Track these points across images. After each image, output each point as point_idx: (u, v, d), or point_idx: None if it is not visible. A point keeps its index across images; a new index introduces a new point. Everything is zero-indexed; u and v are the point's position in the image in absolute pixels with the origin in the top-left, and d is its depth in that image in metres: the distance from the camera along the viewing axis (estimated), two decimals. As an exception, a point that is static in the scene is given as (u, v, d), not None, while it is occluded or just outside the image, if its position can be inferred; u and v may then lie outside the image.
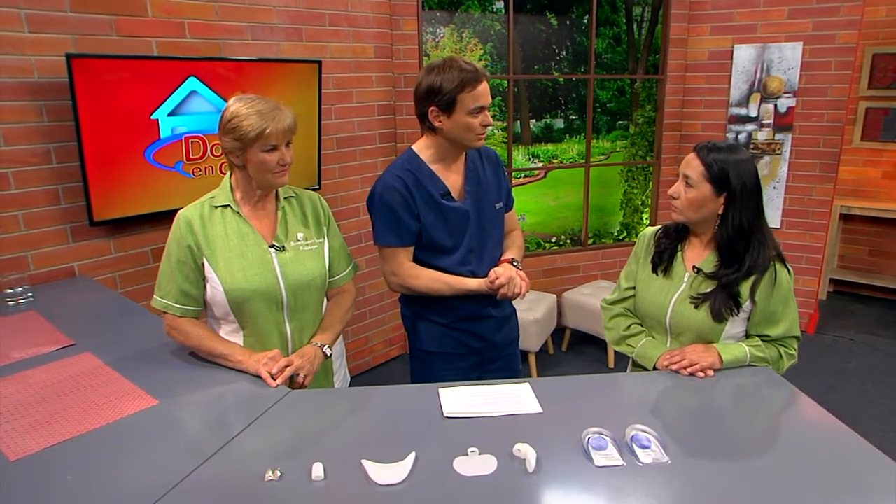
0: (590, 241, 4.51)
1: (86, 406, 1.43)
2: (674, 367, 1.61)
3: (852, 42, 3.79)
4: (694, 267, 1.69)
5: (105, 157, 2.36)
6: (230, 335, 1.68)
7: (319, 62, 3.01)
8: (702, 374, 1.58)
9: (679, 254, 1.74)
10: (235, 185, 1.65)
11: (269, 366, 1.54)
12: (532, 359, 3.67)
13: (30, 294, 2.16)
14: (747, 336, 1.70)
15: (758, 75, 4.02)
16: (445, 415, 1.40)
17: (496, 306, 1.97)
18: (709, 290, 1.64)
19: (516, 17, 3.94)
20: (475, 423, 1.37)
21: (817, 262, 4.18)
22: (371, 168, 3.58)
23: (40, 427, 1.34)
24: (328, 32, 3.20)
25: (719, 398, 1.52)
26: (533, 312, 3.60)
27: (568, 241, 4.65)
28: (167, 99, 2.48)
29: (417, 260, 1.91)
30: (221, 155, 1.61)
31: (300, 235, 1.69)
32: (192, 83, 2.54)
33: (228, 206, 1.62)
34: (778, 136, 4.05)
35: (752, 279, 1.61)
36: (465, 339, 1.96)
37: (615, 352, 3.88)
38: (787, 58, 3.91)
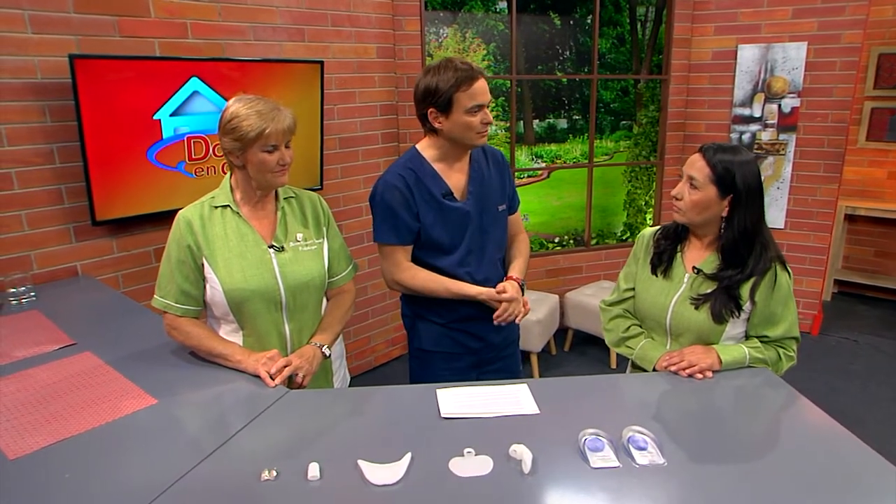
0: (593, 242, 4.50)
1: (85, 405, 1.44)
2: (672, 368, 1.61)
3: (857, 42, 3.77)
4: (694, 268, 1.68)
5: (108, 158, 2.37)
6: (230, 335, 1.68)
7: (322, 62, 3.02)
8: (700, 376, 1.58)
9: (678, 255, 1.73)
10: (235, 185, 1.65)
11: (268, 366, 1.55)
12: (534, 359, 3.67)
13: (32, 293, 2.18)
14: (747, 337, 1.70)
15: (762, 75, 4.00)
16: (442, 415, 1.40)
17: (495, 309, 1.96)
18: (709, 290, 1.64)
19: (519, 17, 3.94)
20: (472, 423, 1.37)
21: (821, 262, 4.16)
22: (374, 168, 3.58)
23: (40, 426, 1.35)
24: (330, 33, 3.21)
25: (717, 400, 1.52)
26: (535, 313, 3.60)
27: (571, 241, 4.65)
28: (169, 99, 2.49)
29: (416, 259, 1.92)
30: (223, 155, 1.62)
31: (299, 236, 1.70)
32: (194, 83, 2.55)
33: (228, 206, 1.63)
34: (782, 137, 4.04)
35: (752, 281, 1.60)
36: (463, 340, 1.97)
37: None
38: (792, 58, 3.90)
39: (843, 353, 3.98)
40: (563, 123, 4.77)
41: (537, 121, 4.69)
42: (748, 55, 4.01)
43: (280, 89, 2.86)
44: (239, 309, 1.62)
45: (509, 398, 1.47)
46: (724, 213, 1.61)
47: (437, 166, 1.87)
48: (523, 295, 1.91)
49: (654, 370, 1.68)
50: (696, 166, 1.60)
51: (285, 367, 1.56)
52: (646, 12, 4.57)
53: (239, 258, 1.61)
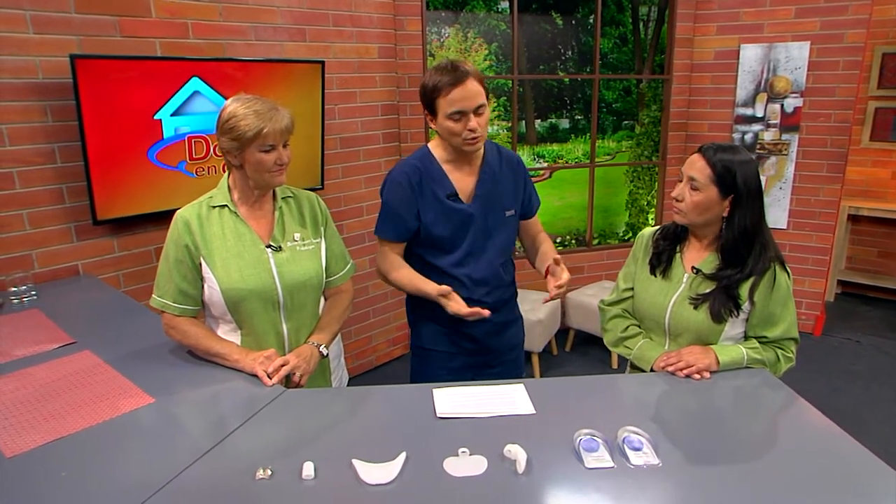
0: (595, 242, 4.50)
1: (83, 403, 1.44)
2: (670, 369, 1.61)
3: (860, 41, 3.75)
4: (693, 268, 1.68)
5: (108, 157, 2.38)
6: (228, 334, 1.69)
7: (322, 62, 3.02)
8: (698, 376, 1.58)
9: (678, 255, 1.73)
10: (233, 185, 1.66)
11: (265, 365, 1.55)
12: (535, 359, 3.67)
13: (33, 292, 2.19)
14: (746, 338, 1.69)
15: (764, 75, 3.99)
16: (438, 415, 1.40)
17: (495, 311, 1.93)
18: (708, 290, 1.64)
19: (521, 17, 3.93)
20: (468, 423, 1.37)
21: (824, 263, 4.14)
22: (374, 168, 3.58)
23: (38, 424, 1.36)
24: (332, 33, 3.21)
25: (714, 400, 1.51)
26: (536, 313, 3.59)
27: (573, 241, 4.64)
28: (170, 99, 2.50)
29: (416, 256, 1.94)
30: (221, 155, 1.62)
31: (297, 235, 1.70)
32: (194, 83, 2.55)
33: (226, 206, 1.63)
34: (784, 137, 4.02)
35: (751, 280, 1.60)
36: (458, 339, 1.97)
37: (619, 353, 3.87)
38: (794, 57, 3.88)
39: (845, 354, 3.96)
40: (565, 123, 4.77)
41: (539, 121, 4.68)
42: (751, 55, 3.99)
43: (281, 89, 2.86)
44: (236, 308, 1.63)
45: (505, 398, 1.47)
46: (725, 214, 1.61)
47: (446, 166, 1.88)
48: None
49: (651, 370, 1.68)
50: (697, 167, 1.59)
51: (282, 366, 1.56)
52: (648, 12, 4.56)
53: (236, 258, 1.61)
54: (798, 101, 3.94)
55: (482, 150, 1.91)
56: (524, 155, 4.43)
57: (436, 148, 1.90)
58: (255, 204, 1.67)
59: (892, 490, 1.13)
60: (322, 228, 1.77)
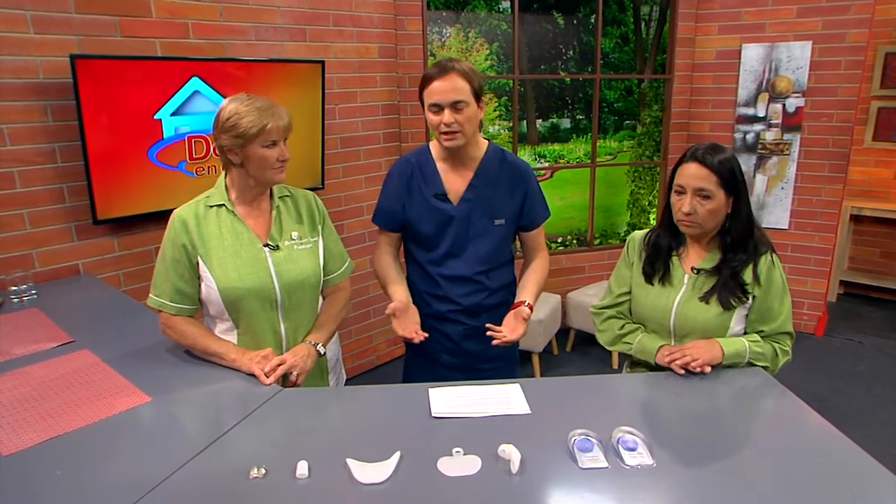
0: (596, 242, 4.50)
1: (80, 402, 1.45)
2: (676, 365, 1.58)
3: (863, 41, 3.74)
4: (693, 268, 1.68)
5: (108, 157, 2.39)
6: (225, 334, 1.69)
7: (323, 62, 3.02)
8: (699, 370, 1.56)
9: (674, 259, 1.72)
10: (230, 184, 1.66)
11: (262, 364, 1.55)
12: (535, 359, 3.66)
13: (34, 291, 2.20)
14: (745, 334, 1.70)
15: (766, 75, 3.97)
16: (433, 415, 1.40)
17: (470, 316, 1.96)
18: (713, 283, 1.64)
19: (522, 17, 3.93)
20: (462, 423, 1.37)
21: (826, 263, 4.13)
22: (375, 168, 3.59)
23: (34, 422, 1.36)
24: (332, 33, 3.21)
25: (711, 401, 1.51)
26: (537, 313, 3.59)
27: (574, 241, 4.64)
28: (170, 99, 2.50)
29: (407, 249, 2.01)
30: (219, 154, 1.63)
31: (294, 234, 1.70)
32: (194, 83, 2.56)
33: (223, 205, 1.64)
34: (786, 137, 4.01)
35: (750, 265, 1.63)
36: (437, 338, 1.97)
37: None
38: (796, 57, 3.87)
39: (847, 355, 3.95)
40: (566, 123, 4.76)
41: (540, 120, 4.68)
42: (752, 54, 3.98)
43: (281, 89, 2.87)
44: (234, 308, 1.63)
45: (501, 398, 1.47)
46: (729, 210, 1.62)
47: (441, 165, 1.89)
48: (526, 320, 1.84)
49: (655, 364, 1.67)
50: (701, 176, 1.57)
51: (279, 365, 1.57)
52: (650, 11, 4.55)
53: (234, 257, 1.61)
54: (800, 101, 3.93)
55: (480, 153, 1.90)
56: (525, 155, 4.42)
57: (434, 146, 1.92)
58: (253, 203, 1.67)
59: (888, 492, 1.13)
60: (319, 227, 1.77)
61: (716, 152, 1.58)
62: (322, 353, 1.71)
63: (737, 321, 1.65)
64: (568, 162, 4.51)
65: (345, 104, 3.35)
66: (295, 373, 1.60)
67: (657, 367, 1.68)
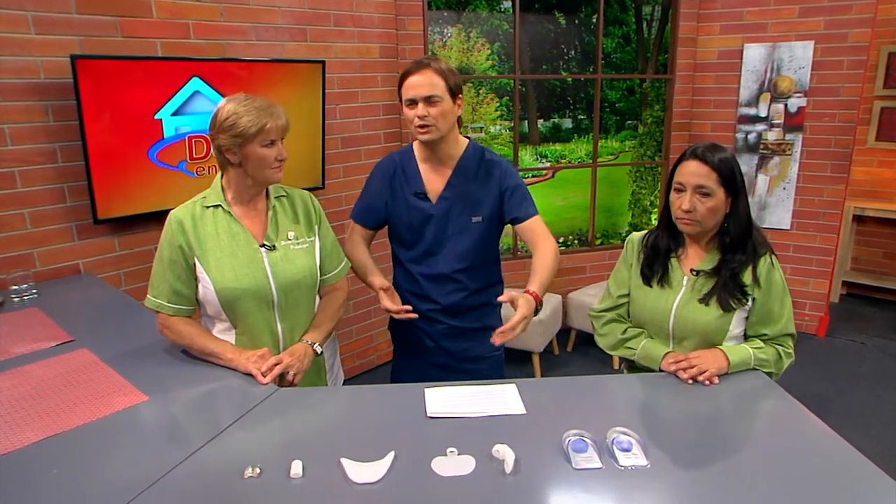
0: (597, 242, 4.49)
1: (78, 401, 1.46)
2: (683, 375, 1.58)
3: (865, 41, 3.73)
4: (692, 270, 1.67)
5: (109, 157, 2.40)
6: (222, 334, 1.70)
7: (323, 62, 3.03)
8: (707, 382, 1.56)
9: (673, 261, 1.72)
10: (227, 185, 1.67)
11: (259, 364, 1.56)
12: (536, 359, 3.66)
13: (34, 291, 2.21)
14: (745, 337, 1.69)
15: (768, 75, 3.96)
16: (428, 414, 1.40)
17: (450, 315, 1.98)
18: (712, 285, 1.64)
19: (524, 17, 3.93)
20: (457, 423, 1.37)
21: (828, 264, 4.12)
22: (376, 167, 3.59)
23: (32, 421, 1.37)
24: (333, 33, 3.22)
25: (708, 403, 1.51)
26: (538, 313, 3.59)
27: (575, 241, 4.63)
28: (171, 99, 2.51)
29: (391, 247, 2.05)
30: (216, 154, 1.64)
31: (291, 234, 1.71)
32: (195, 83, 2.57)
33: (220, 206, 1.64)
34: (788, 137, 4.00)
35: (750, 266, 1.62)
36: (421, 336, 2.01)
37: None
38: (798, 57, 3.86)
39: (850, 356, 3.94)
40: (567, 123, 4.75)
41: (542, 120, 4.68)
42: (754, 54, 3.97)
43: (281, 89, 2.87)
44: (231, 308, 1.64)
45: (497, 398, 1.47)
46: (728, 210, 1.62)
47: (422, 165, 1.92)
48: (537, 314, 1.72)
49: (659, 370, 1.67)
50: (701, 173, 1.57)
51: (276, 364, 1.57)
52: (652, 11, 4.54)
53: (230, 257, 1.62)
54: (802, 101, 3.92)
55: (458, 152, 1.90)
56: (526, 155, 4.42)
57: (417, 146, 1.95)
58: (249, 203, 1.68)
59: (886, 495, 1.13)
60: (316, 227, 1.78)
61: (716, 151, 1.59)
62: (319, 352, 1.71)
63: (736, 323, 1.65)
64: (569, 162, 4.51)
65: (345, 104, 3.36)
66: (292, 372, 1.60)
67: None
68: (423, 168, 1.92)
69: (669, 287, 1.70)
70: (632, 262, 1.80)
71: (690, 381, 1.56)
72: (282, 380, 1.61)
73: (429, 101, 1.75)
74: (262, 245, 1.66)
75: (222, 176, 1.68)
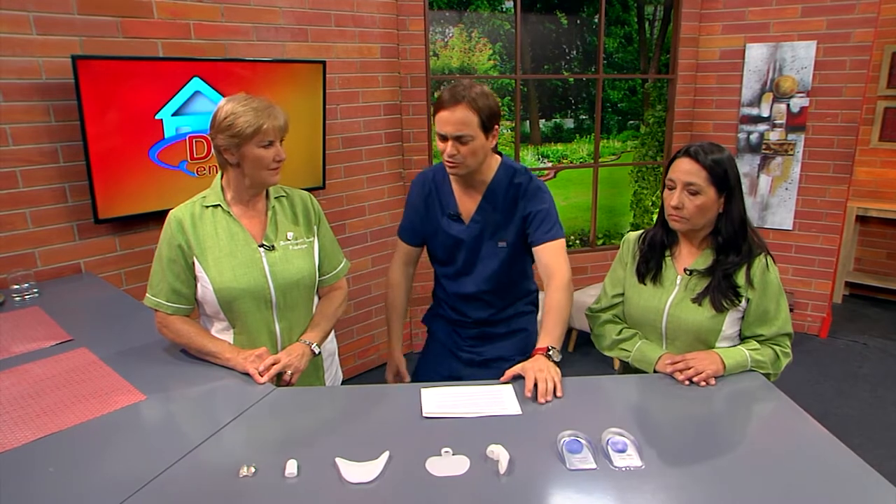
0: (599, 242, 4.49)
1: (76, 400, 1.46)
2: (679, 376, 1.57)
3: (868, 40, 3.71)
4: (686, 269, 1.67)
5: (110, 157, 2.41)
6: (221, 333, 1.70)
7: (324, 62, 3.03)
8: (703, 383, 1.56)
9: (667, 259, 1.72)
10: (226, 184, 1.68)
11: (256, 363, 1.56)
12: (536, 359, 3.66)
13: (35, 290, 2.22)
14: (741, 338, 1.69)
15: (770, 74, 3.95)
16: (424, 414, 1.41)
17: (479, 324, 2.01)
18: (705, 285, 1.63)
19: (526, 17, 3.93)
20: (453, 423, 1.38)
21: (830, 264, 4.10)
22: (377, 167, 3.60)
23: (30, 420, 1.38)
24: (334, 33, 3.22)
25: (704, 404, 1.50)
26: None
27: (577, 241, 4.63)
28: (171, 99, 2.52)
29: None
30: (216, 154, 1.64)
31: (290, 234, 1.71)
32: (195, 83, 2.58)
33: (219, 205, 1.65)
34: (790, 137, 3.99)
35: (744, 267, 1.62)
36: (452, 334, 2.06)
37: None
38: (801, 57, 3.85)
39: (851, 357, 3.92)
40: (569, 123, 4.75)
41: (543, 120, 4.67)
42: (756, 54, 3.96)
43: (282, 89, 2.88)
44: (229, 307, 1.64)
45: (492, 398, 1.47)
46: (721, 210, 1.62)
47: (455, 186, 1.91)
48: (555, 361, 1.60)
49: (654, 371, 1.66)
50: (692, 171, 1.58)
51: (273, 364, 1.58)
52: (654, 11, 4.53)
53: (229, 257, 1.63)
54: (804, 101, 3.90)
55: (489, 176, 1.86)
56: (528, 155, 4.42)
57: None
58: (249, 203, 1.68)
59: (882, 498, 1.12)
60: (315, 227, 1.78)
61: (710, 150, 1.59)
62: (317, 352, 1.72)
63: (729, 324, 1.64)
64: (571, 162, 4.50)
65: (346, 104, 3.36)
66: (289, 372, 1.61)
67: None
68: (457, 189, 1.90)
69: (662, 286, 1.70)
70: (627, 262, 1.80)
71: (687, 383, 1.56)
72: (279, 379, 1.61)
73: (459, 139, 1.70)
74: (261, 245, 1.66)
75: (222, 176, 1.68)
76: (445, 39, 4.22)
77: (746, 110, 4.07)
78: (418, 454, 1.25)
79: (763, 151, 4.08)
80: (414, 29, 3.52)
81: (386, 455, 1.24)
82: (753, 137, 4.08)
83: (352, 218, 3.54)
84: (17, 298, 2.17)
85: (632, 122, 4.71)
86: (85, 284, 2.40)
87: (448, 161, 1.75)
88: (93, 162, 2.36)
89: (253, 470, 1.20)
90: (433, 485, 1.17)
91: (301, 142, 3.04)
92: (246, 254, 1.64)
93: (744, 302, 1.62)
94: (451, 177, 1.90)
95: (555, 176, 4.91)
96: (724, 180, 1.58)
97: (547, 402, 1.46)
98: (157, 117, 2.50)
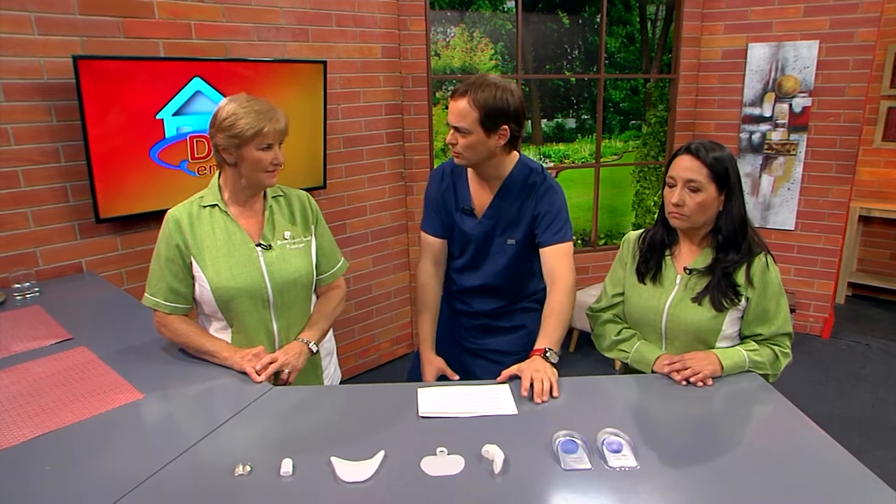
0: (601, 242, 4.48)
1: (74, 398, 1.47)
2: (676, 377, 1.57)
3: (871, 40, 3.70)
4: (685, 268, 1.67)
5: (111, 156, 2.42)
6: (219, 332, 1.71)
7: (324, 62, 3.04)
8: (701, 384, 1.56)
9: (667, 258, 1.72)
10: (224, 184, 1.68)
11: (254, 362, 1.57)
12: (537, 359, 3.66)
13: (36, 289, 2.23)
14: (741, 337, 1.68)
15: (772, 74, 3.94)
16: (420, 414, 1.41)
17: (482, 315, 2.02)
18: (705, 284, 1.63)
19: (528, 17, 3.93)
20: (449, 423, 1.38)
21: (833, 265, 4.09)
22: (378, 167, 3.60)
23: (28, 418, 1.39)
24: (335, 33, 3.23)
25: (702, 405, 1.50)
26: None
27: (579, 241, 4.63)
28: (172, 99, 2.53)
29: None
30: (214, 153, 1.65)
31: (287, 234, 1.72)
32: (196, 83, 2.58)
33: (216, 205, 1.66)
34: (793, 137, 3.97)
35: (744, 266, 1.62)
36: (456, 323, 2.08)
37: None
38: (803, 56, 3.83)
39: (853, 358, 3.91)
40: (571, 123, 4.75)
41: (545, 120, 4.67)
42: (758, 54, 3.95)
43: (282, 89, 2.89)
44: (227, 307, 1.65)
45: (489, 398, 1.48)
46: (721, 208, 1.62)
47: (472, 181, 1.92)
48: (553, 363, 1.61)
49: (652, 372, 1.66)
50: (692, 168, 1.58)
51: (271, 363, 1.58)
52: (656, 11, 4.52)
53: (226, 256, 1.63)
54: (807, 101, 3.89)
55: (504, 172, 1.86)
56: (530, 154, 4.41)
57: None
58: (246, 203, 1.69)
59: (880, 500, 1.12)
60: (313, 226, 1.78)
61: (711, 148, 1.59)
62: (314, 350, 1.72)
63: (729, 324, 1.64)
64: (573, 162, 4.49)
65: (348, 104, 3.37)
66: (286, 371, 1.61)
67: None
68: (473, 184, 1.91)
69: (662, 286, 1.70)
70: (627, 261, 1.80)
71: (684, 383, 1.56)
72: (276, 378, 1.62)
73: (457, 129, 1.72)
74: (258, 244, 1.67)
75: (220, 175, 1.69)
76: (447, 39, 4.22)
77: (748, 110, 4.06)
78: (413, 454, 1.25)
79: (765, 151, 4.07)
80: (415, 29, 3.52)
81: (381, 454, 1.24)
82: (755, 137, 4.07)
83: (352, 218, 3.54)
84: (19, 297, 2.19)
85: (634, 121, 4.70)
86: (86, 284, 2.42)
87: (455, 153, 1.78)
88: (94, 161, 2.37)
89: (248, 468, 1.20)
90: (428, 484, 1.17)
91: (302, 142, 3.04)
92: (243, 253, 1.65)
93: (743, 301, 1.62)
94: (467, 172, 1.91)
95: (557, 176, 4.90)
96: (725, 178, 1.58)
97: (543, 402, 1.46)
98: (157, 117, 2.51)
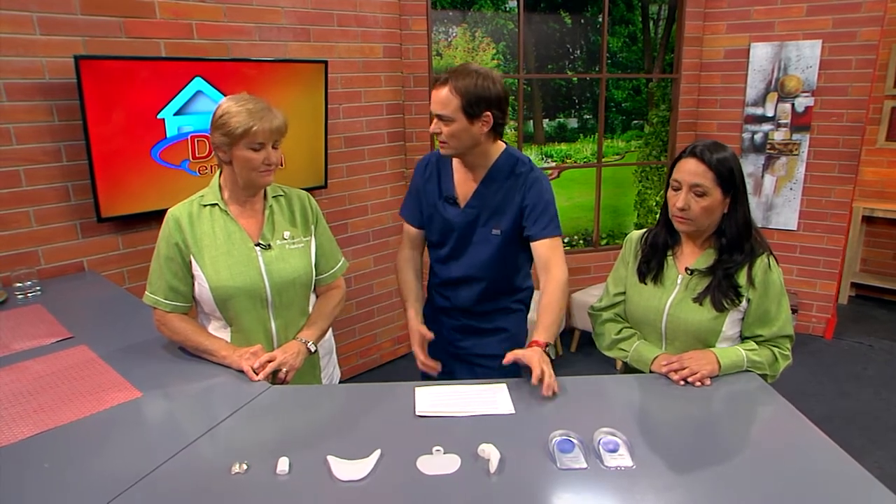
0: (603, 242, 4.48)
1: (73, 397, 1.48)
2: (674, 376, 1.57)
3: (874, 39, 3.68)
4: (687, 269, 1.67)
5: (112, 156, 2.43)
6: (218, 331, 1.72)
7: (325, 62, 3.04)
8: (699, 383, 1.55)
9: (669, 259, 1.71)
10: (224, 183, 1.69)
11: (251, 361, 1.57)
12: (538, 359, 3.66)
13: (38, 288, 2.24)
14: (742, 338, 1.68)
15: (775, 74, 3.93)
16: (417, 413, 1.41)
17: (460, 313, 2.01)
18: (706, 285, 1.63)
19: (529, 16, 3.92)
20: (445, 422, 1.38)
21: (835, 265, 4.07)
22: (380, 167, 3.61)
23: (27, 416, 1.40)
24: (336, 33, 3.23)
25: (699, 405, 1.50)
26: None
27: (581, 241, 4.62)
28: (173, 99, 2.54)
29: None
30: (213, 151, 1.66)
31: (287, 234, 1.72)
32: (197, 83, 2.59)
33: (216, 204, 1.66)
34: (795, 137, 3.96)
35: (745, 267, 1.61)
36: (439, 325, 2.03)
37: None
38: (806, 56, 3.82)
39: (856, 358, 3.90)
40: (573, 123, 4.74)
41: (547, 120, 4.67)
42: (761, 53, 3.94)
43: (284, 89, 2.89)
44: (225, 306, 1.66)
45: (486, 398, 1.48)
46: (725, 211, 1.61)
47: (457, 170, 1.91)
48: (551, 357, 1.66)
49: (650, 372, 1.66)
50: (698, 172, 1.55)
51: (269, 362, 1.59)
52: (658, 10, 4.52)
53: (226, 256, 1.64)
54: (809, 101, 3.88)
55: (489, 161, 1.86)
56: (532, 154, 4.41)
57: None
58: (246, 202, 1.69)
59: (879, 499, 1.12)
60: (312, 227, 1.79)
61: (716, 150, 1.56)
62: (313, 350, 1.73)
63: (730, 324, 1.64)
64: (575, 162, 4.49)
65: (349, 104, 3.37)
66: (284, 370, 1.62)
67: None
68: (457, 172, 1.90)
69: (663, 286, 1.69)
70: (629, 261, 1.79)
71: (682, 383, 1.56)
72: (274, 377, 1.62)
73: (440, 118, 1.72)
74: (258, 244, 1.67)
75: (220, 174, 1.69)
76: (448, 39, 4.22)
77: (751, 110, 4.05)
78: (410, 452, 1.25)
79: (767, 151, 4.06)
80: (417, 29, 3.52)
81: (377, 453, 1.24)
82: (758, 137, 4.06)
83: (354, 217, 3.55)
84: (20, 296, 2.20)
85: (636, 121, 4.70)
86: (87, 282, 2.43)
87: (441, 141, 1.77)
88: (95, 161, 2.38)
89: (245, 467, 1.20)
90: (423, 483, 1.17)
91: (303, 141, 3.05)
92: (242, 252, 1.65)
93: (744, 302, 1.62)
94: (452, 161, 1.91)
95: (558, 176, 4.90)
96: (730, 181, 1.56)
97: (554, 394, 1.48)
98: (159, 117, 2.52)
